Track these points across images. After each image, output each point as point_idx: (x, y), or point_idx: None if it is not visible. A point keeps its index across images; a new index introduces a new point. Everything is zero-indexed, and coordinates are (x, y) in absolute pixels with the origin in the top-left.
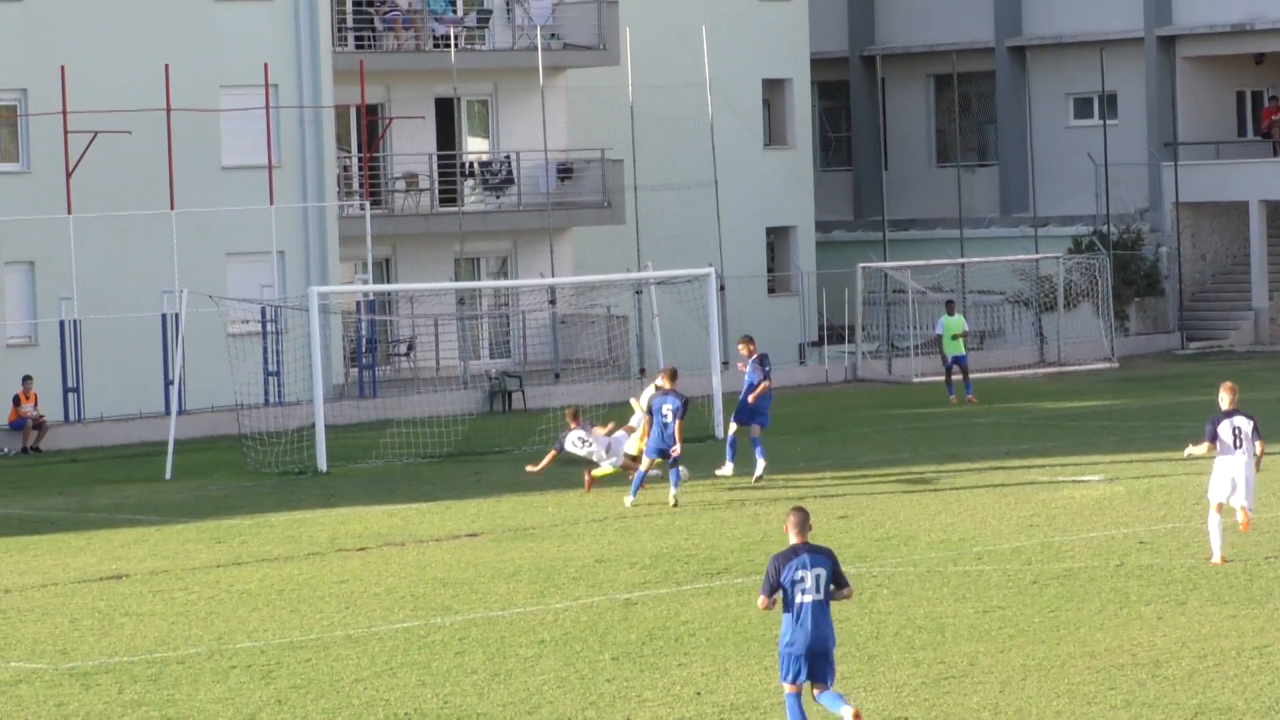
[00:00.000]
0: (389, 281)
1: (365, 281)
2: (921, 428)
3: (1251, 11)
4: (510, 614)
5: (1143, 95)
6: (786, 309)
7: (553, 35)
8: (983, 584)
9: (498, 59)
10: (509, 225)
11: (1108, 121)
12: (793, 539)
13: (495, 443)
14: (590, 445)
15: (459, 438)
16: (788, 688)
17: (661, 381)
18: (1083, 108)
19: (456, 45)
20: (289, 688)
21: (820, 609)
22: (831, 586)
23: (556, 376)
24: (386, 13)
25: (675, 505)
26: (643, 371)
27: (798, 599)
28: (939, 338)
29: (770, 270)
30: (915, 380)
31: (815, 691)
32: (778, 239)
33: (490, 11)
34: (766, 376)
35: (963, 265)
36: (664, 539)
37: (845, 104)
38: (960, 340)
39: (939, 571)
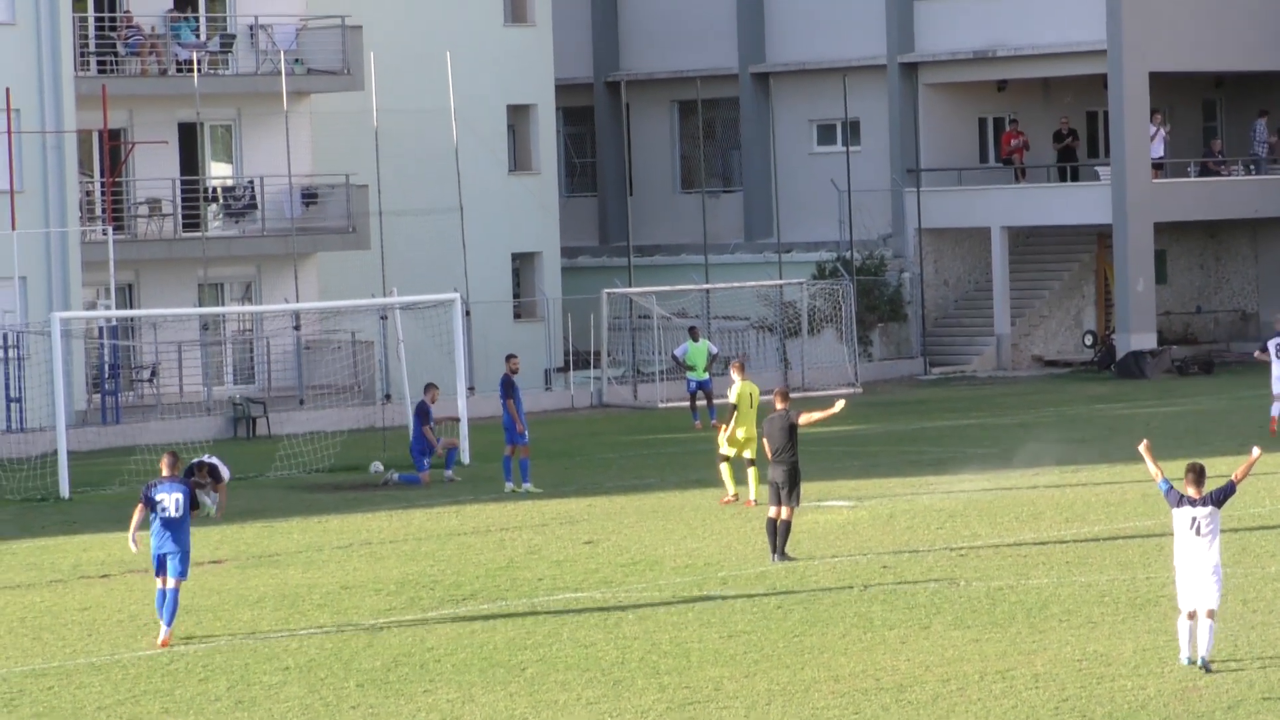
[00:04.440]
0: (132, 307)
1: (108, 307)
2: (667, 453)
3: (993, 39)
4: (254, 641)
5: (886, 122)
6: (532, 334)
7: (296, 60)
8: (727, 609)
9: (241, 84)
10: (253, 250)
11: (851, 148)
12: (165, 472)
13: (239, 469)
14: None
15: None
16: (158, 583)
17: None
18: (826, 134)
19: (199, 70)
20: (31, 716)
21: (173, 524)
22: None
23: (301, 402)
24: (129, 37)
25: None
26: (388, 397)
27: (158, 514)
28: (683, 362)
29: (516, 296)
30: (660, 405)
31: (171, 585)
32: (523, 265)
33: (234, 36)
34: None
35: (707, 291)
36: (409, 565)
37: (590, 130)
38: (704, 366)
39: (684, 597)
